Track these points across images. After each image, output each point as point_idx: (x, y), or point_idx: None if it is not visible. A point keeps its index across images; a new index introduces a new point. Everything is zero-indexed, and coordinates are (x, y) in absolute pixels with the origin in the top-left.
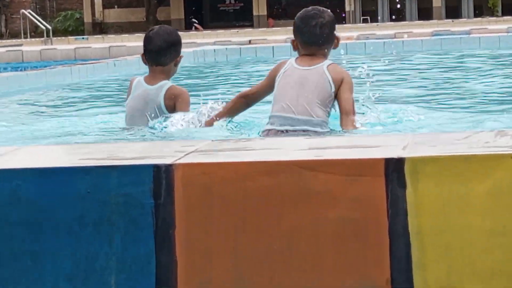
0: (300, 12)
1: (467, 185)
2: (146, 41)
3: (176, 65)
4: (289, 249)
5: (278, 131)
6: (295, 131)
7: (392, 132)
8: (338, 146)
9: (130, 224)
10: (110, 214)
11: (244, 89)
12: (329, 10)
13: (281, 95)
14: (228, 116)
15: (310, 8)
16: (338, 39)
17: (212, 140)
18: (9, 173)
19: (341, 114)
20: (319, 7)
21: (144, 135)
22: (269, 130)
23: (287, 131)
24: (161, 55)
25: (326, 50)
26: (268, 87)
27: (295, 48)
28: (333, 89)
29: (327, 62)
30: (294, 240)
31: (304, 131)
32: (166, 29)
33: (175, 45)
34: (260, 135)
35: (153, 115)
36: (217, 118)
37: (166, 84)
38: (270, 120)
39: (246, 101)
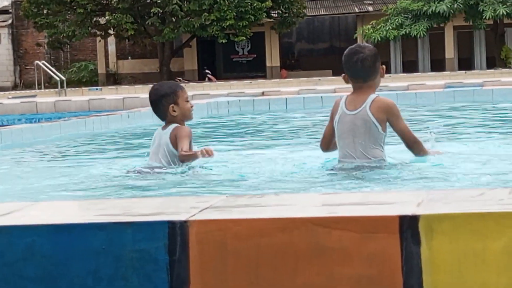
0: (346, 50)
1: (482, 242)
2: None
3: (173, 114)
4: None
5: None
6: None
7: (408, 188)
8: (352, 203)
9: (145, 280)
10: (125, 270)
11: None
12: (370, 45)
13: (341, 142)
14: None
15: (353, 45)
16: (383, 69)
17: (227, 196)
18: (24, 229)
19: (407, 146)
20: (361, 43)
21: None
22: (336, 168)
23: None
24: (155, 112)
25: (372, 82)
26: (330, 130)
27: (346, 81)
28: (381, 128)
29: (369, 100)
30: None
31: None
32: (151, 89)
33: (159, 100)
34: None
35: (162, 154)
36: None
37: (172, 125)
38: (338, 163)
39: (325, 148)
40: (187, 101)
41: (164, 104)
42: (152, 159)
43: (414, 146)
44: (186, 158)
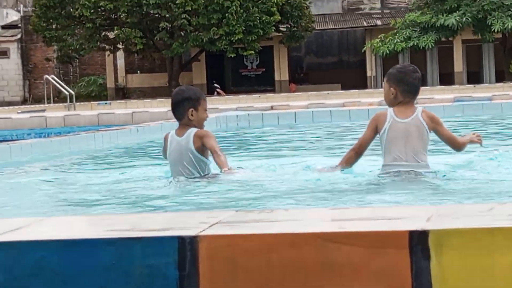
0: (399, 66)
1: (492, 257)
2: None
3: (190, 118)
4: None
5: (393, 173)
6: (406, 170)
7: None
8: (361, 218)
9: None
10: (134, 286)
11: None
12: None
13: (391, 147)
14: (346, 167)
15: (406, 64)
16: None
17: (236, 211)
18: (33, 244)
19: (454, 144)
20: (411, 65)
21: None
22: (382, 174)
23: (397, 172)
24: (174, 110)
25: (416, 99)
26: (372, 138)
27: (394, 96)
28: (429, 134)
29: (419, 110)
30: None
31: (412, 171)
32: (177, 89)
33: (181, 102)
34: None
35: (188, 161)
36: (338, 168)
37: (191, 131)
38: (384, 168)
39: (358, 152)
40: (205, 110)
41: (185, 106)
42: (175, 169)
43: (462, 146)
44: (221, 162)
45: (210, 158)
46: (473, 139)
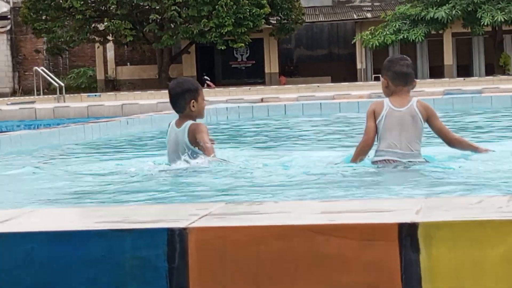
0: (389, 57)
1: (481, 250)
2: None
3: (192, 109)
4: None
5: (386, 160)
6: (400, 161)
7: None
8: (351, 211)
9: (144, 287)
10: (124, 278)
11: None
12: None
13: (387, 134)
14: (361, 159)
15: (397, 55)
16: (415, 81)
17: (226, 203)
18: (22, 236)
19: (448, 143)
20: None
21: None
22: (379, 161)
23: (393, 161)
24: (174, 104)
25: (410, 86)
26: (374, 126)
27: (385, 86)
28: (424, 124)
29: (414, 100)
30: None
31: (407, 161)
32: (175, 82)
33: (182, 94)
34: (371, 163)
35: (183, 152)
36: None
37: (187, 123)
38: (379, 153)
39: (370, 144)
40: (203, 99)
41: (186, 98)
42: (172, 158)
43: (455, 142)
44: (210, 152)
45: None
46: (480, 150)
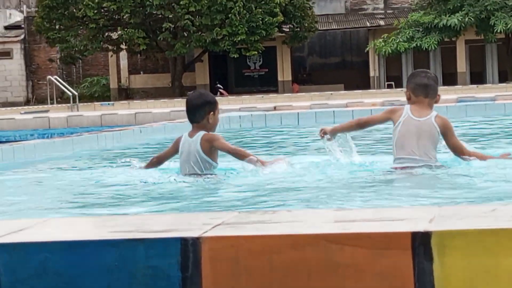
0: (412, 72)
1: (495, 258)
2: (186, 104)
3: (209, 121)
4: None
5: (404, 167)
6: (417, 166)
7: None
8: (364, 219)
9: None
10: (137, 287)
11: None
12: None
13: (404, 141)
14: (342, 131)
15: (420, 69)
16: (439, 96)
17: (239, 212)
18: (37, 245)
19: (459, 154)
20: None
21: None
22: (397, 167)
23: (411, 167)
24: (193, 114)
25: (432, 100)
26: (382, 120)
27: (408, 97)
28: (440, 136)
29: (434, 113)
30: None
31: (425, 165)
32: (196, 93)
33: (203, 105)
34: (389, 170)
35: (194, 161)
36: (335, 131)
37: (200, 133)
38: (398, 160)
39: (361, 125)
40: (218, 114)
41: (206, 109)
42: (184, 168)
43: (465, 152)
44: (241, 154)
45: (220, 161)
46: (505, 157)
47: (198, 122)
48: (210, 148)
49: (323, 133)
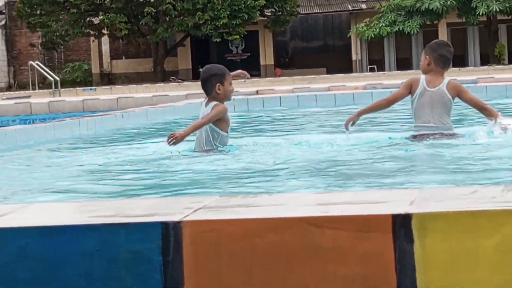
0: (437, 40)
1: (475, 240)
2: None
3: (218, 92)
4: None
5: (423, 134)
6: (434, 133)
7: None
8: (345, 202)
9: (138, 281)
10: (118, 271)
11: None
12: None
13: (421, 112)
14: (371, 112)
15: (443, 40)
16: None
17: (220, 196)
18: (17, 231)
19: (479, 108)
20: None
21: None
22: (416, 135)
23: (428, 134)
24: (203, 87)
25: (445, 71)
26: (404, 95)
27: (428, 64)
28: (452, 102)
29: (445, 81)
30: None
31: (439, 133)
32: (204, 68)
33: (209, 78)
34: (408, 138)
35: (205, 129)
36: (361, 113)
37: (212, 104)
38: (416, 129)
39: (387, 103)
40: (231, 84)
41: (212, 82)
42: (198, 132)
43: (485, 110)
44: (196, 124)
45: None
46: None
47: (209, 94)
48: (219, 118)
49: (350, 124)
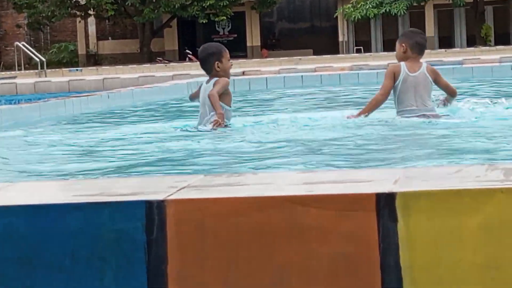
0: (411, 29)
1: (459, 219)
2: None
3: (217, 69)
4: (281, 284)
5: (407, 117)
6: (417, 116)
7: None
8: (330, 181)
9: (122, 260)
10: (102, 250)
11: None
12: None
13: (404, 97)
14: (373, 111)
15: (415, 29)
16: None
17: (205, 175)
18: (1, 209)
19: (450, 91)
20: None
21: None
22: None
23: (411, 117)
24: (203, 66)
25: (420, 57)
26: (393, 85)
27: (405, 52)
28: (432, 84)
29: (424, 65)
30: (286, 275)
31: (421, 115)
32: (202, 46)
33: (207, 57)
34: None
35: (208, 103)
36: (362, 114)
37: (215, 79)
38: (399, 114)
39: (384, 97)
40: (229, 60)
41: (210, 60)
42: (201, 109)
43: (454, 93)
44: (213, 101)
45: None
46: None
47: (209, 72)
48: (221, 92)
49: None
